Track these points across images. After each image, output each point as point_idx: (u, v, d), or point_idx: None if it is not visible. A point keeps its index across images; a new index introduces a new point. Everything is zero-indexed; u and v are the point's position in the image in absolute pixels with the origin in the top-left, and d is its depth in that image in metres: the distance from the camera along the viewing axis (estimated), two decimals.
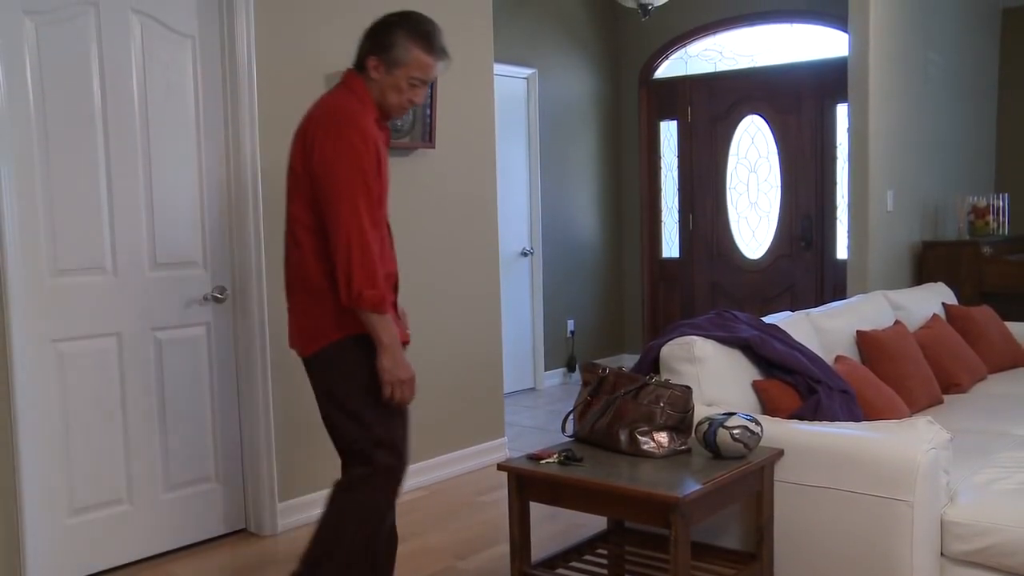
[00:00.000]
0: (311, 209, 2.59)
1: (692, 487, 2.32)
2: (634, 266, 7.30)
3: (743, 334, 3.08)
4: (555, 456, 2.60)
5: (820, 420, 2.86)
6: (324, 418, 2.80)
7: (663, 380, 2.68)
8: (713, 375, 2.94)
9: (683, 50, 7.03)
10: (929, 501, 2.44)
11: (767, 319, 3.44)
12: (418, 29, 2.63)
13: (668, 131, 7.13)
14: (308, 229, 2.62)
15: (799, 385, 3.02)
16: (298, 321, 2.71)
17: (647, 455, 2.57)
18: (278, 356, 3.81)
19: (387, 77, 2.62)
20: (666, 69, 7.12)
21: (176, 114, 3.55)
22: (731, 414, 2.56)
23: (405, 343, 2.69)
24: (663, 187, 7.21)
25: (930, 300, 4.49)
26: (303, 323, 2.69)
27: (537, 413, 5.98)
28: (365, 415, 2.67)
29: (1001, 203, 5.85)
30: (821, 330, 3.60)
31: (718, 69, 6.87)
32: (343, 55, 4.01)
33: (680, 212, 7.08)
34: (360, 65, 2.67)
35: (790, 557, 2.64)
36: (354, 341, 2.60)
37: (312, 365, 2.72)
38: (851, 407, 3.01)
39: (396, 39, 2.61)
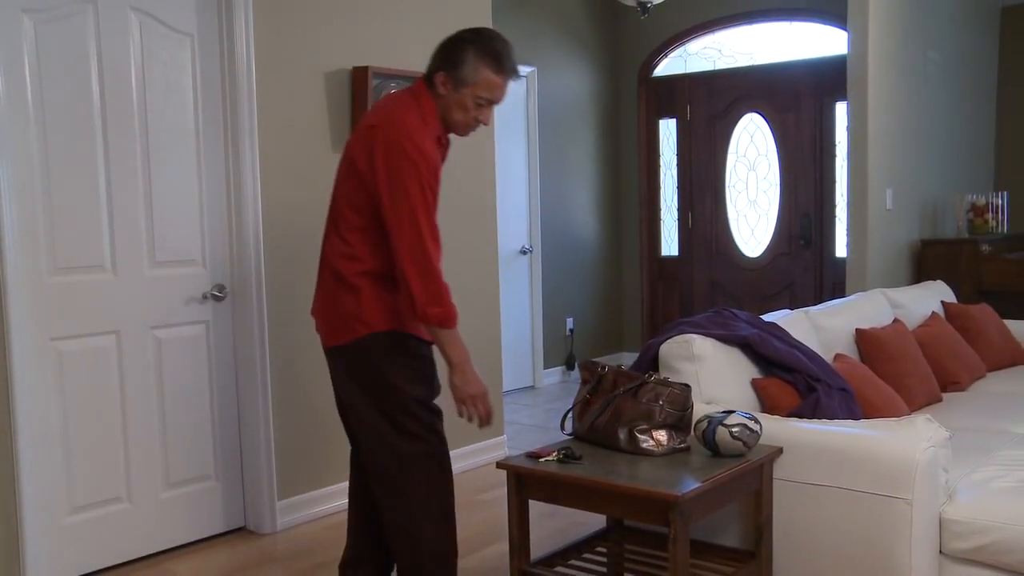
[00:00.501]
0: (362, 211, 2.61)
1: (691, 485, 2.32)
2: (633, 264, 7.30)
3: (742, 332, 3.08)
4: (554, 454, 2.60)
5: (819, 418, 2.86)
6: (347, 409, 2.82)
7: (662, 378, 2.68)
8: (712, 373, 2.94)
9: (682, 48, 7.03)
10: (928, 499, 2.45)
11: (766, 317, 3.44)
12: (488, 48, 2.61)
13: (667, 129, 7.13)
14: (355, 229, 2.65)
15: (798, 383, 3.02)
16: (325, 307, 2.75)
17: (646, 453, 2.57)
18: (277, 354, 3.81)
19: (454, 94, 2.62)
20: (665, 67, 7.12)
21: (175, 112, 3.55)
22: (730, 412, 2.56)
23: (429, 343, 2.72)
24: (662, 185, 7.21)
25: (929, 298, 4.49)
26: (330, 312, 2.73)
27: (536, 411, 5.98)
28: (395, 414, 2.69)
29: (1000, 201, 5.85)
30: (820, 328, 3.60)
31: (717, 67, 6.87)
32: (342, 53, 4.03)
33: (679, 210, 7.08)
34: (429, 78, 2.66)
35: (789, 555, 2.64)
36: (382, 337, 2.63)
37: (341, 354, 2.74)
38: (850, 405, 3.01)
39: (466, 56, 2.60)
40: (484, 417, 2.62)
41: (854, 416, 2.97)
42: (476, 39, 2.63)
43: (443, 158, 2.72)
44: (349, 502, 2.97)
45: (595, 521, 3.28)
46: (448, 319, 2.55)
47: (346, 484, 4.06)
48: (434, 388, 2.77)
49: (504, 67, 2.62)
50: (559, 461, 2.57)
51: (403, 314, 2.65)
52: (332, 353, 2.78)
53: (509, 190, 6.28)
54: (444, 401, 2.74)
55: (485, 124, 2.73)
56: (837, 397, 2.98)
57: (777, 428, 2.69)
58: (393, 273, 2.60)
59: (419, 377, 2.71)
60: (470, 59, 2.60)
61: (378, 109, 2.71)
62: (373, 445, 2.74)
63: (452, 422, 4.55)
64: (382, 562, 2.93)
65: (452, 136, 2.78)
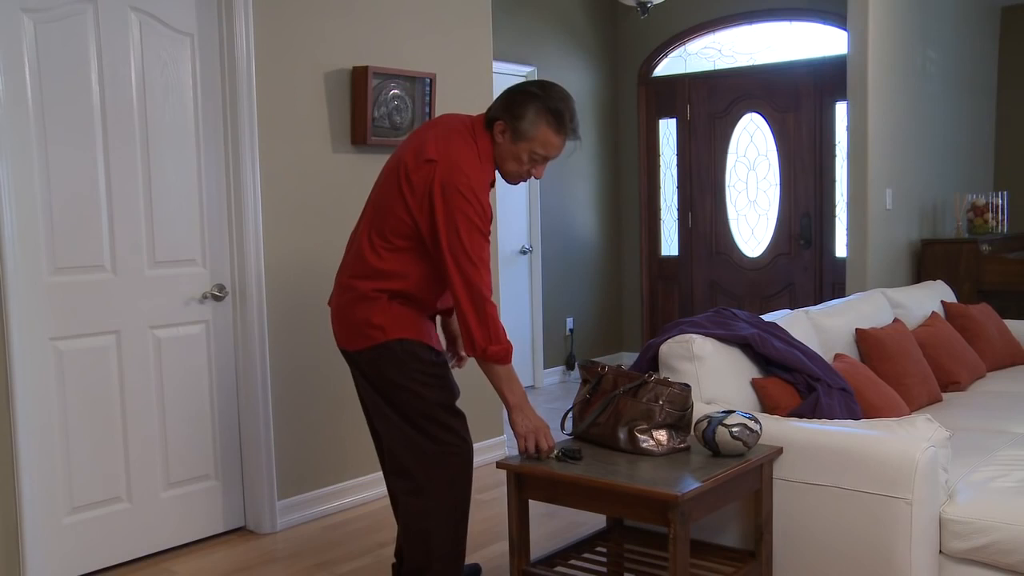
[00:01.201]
0: (407, 236, 2.64)
1: (691, 485, 2.32)
2: (633, 264, 7.30)
3: (742, 332, 3.08)
4: (554, 452, 2.60)
5: (819, 418, 2.86)
6: (369, 409, 2.87)
7: (662, 378, 2.68)
8: (712, 373, 2.94)
9: (682, 48, 7.03)
10: (928, 499, 2.45)
11: (766, 317, 3.44)
12: (552, 106, 2.61)
13: (667, 129, 7.13)
14: (394, 250, 2.67)
15: (798, 383, 3.02)
16: (340, 309, 2.78)
17: (646, 453, 2.57)
18: (277, 354, 3.82)
19: (511, 146, 2.64)
20: (665, 67, 7.12)
21: (175, 112, 3.55)
22: (730, 412, 2.56)
23: (440, 352, 2.80)
24: (662, 185, 7.21)
25: (929, 298, 4.49)
26: (346, 316, 2.76)
27: (536, 411, 5.97)
28: (415, 418, 2.73)
29: (1000, 201, 5.86)
30: (820, 328, 3.60)
31: (717, 67, 6.87)
32: (342, 53, 4.03)
33: (679, 210, 7.08)
34: (490, 122, 2.68)
35: (789, 555, 2.64)
36: (395, 345, 2.68)
37: (355, 360, 2.79)
38: (850, 405, 3.01)
39: (528, 111, 2.61)
40: (546, 451, 2.62)
41: (854, 416, 2.97)
42: (541, 94, 2.64)
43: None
44: (389, 495, 3.01)
45: (595, 521, 3.28)
46: (506, 356, 2.62)
47: (346, 484, 4.09)
48: (453, 391, 2.81)
49: (564, 128, 2.64)
50: (558, 459, 2.57)
51: (412, 325, 2.71)
52: (349, 356, 2.82)
53: (509, 190, 6.27)
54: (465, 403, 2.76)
55: (537, 178, 2.76)
56: (837, 397, 2.99)
57: (777, 428, 2.69)
58: (418, 295, 2.70)
59: (435, 382, 2.75)
60: (532, 115, 2.61)
61: (437, 139, 2.66)
62: (395, 445, 2.77)
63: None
64: None
65: None
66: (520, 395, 2.67)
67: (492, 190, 2.78)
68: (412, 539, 2.80)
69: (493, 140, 2.67)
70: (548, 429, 2.66)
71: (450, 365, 2.90)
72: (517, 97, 2.65)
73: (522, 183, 2.83)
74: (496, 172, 2.74)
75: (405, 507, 2.80)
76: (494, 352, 2.60)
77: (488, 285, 2.61)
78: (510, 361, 2.64)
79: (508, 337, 2.64)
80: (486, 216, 2.61)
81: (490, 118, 2.69)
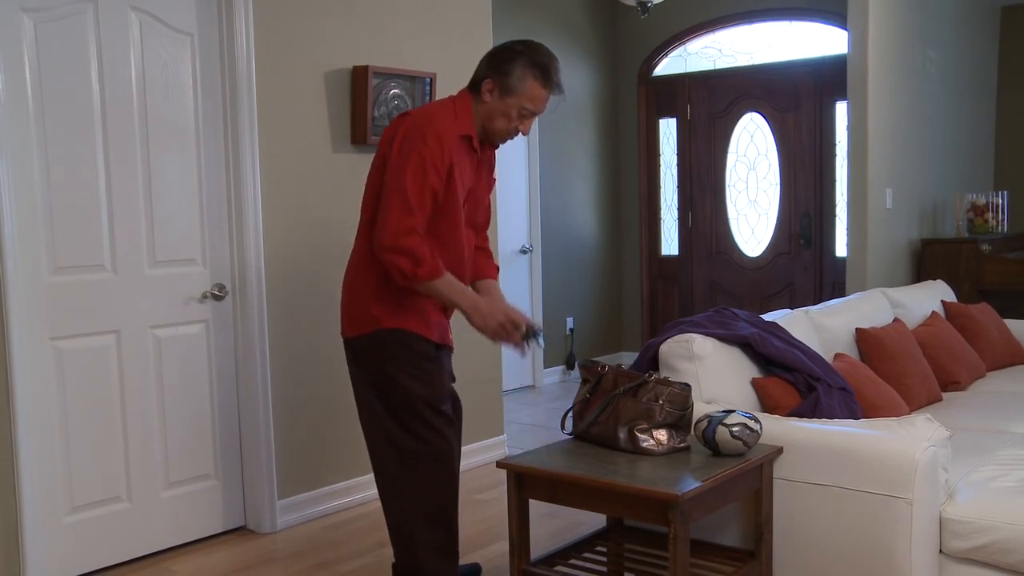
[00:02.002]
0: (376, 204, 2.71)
1: (691, 485, 2.32)
2: (633, 264, 7.30)
3: (742, 332, 3.08)
4: (531, 335, 2.68)
5: (819, 418, 2.86)
6: (358, 401, 2.90)
7: (662, 378, 2.68)
8: (712, 373, 2.94)
9: (682, 48, 7.03)
10: (928, 499, 2.45)
11: (766, 317, 3.44)
12: (537, 61, 2.69)
13: (667, 129, 7.13)
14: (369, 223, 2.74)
15: (798, 383, 3.02)
16: (346, 295, 2.83)
17: (646, 453, 2.57)
18: (277, 354, 3.81)
19: (499, 102, 2.71)
20: (665, 67, 7.12)
21: (175, 111, 3.55)
22: (730, 412, 2.56)
23: (449, 347, 2.86)
24: (662, 185, 7.21)
25: (929, 298, 4.49)
26: (348, 302, 2.82)
27: (536, 411, 5.98)
28: (398, 410, 2.76)
29: (1000, 201, 5.85)
30: (820, 328, 3.60)
31: (717, 67, 6.87)
32: (342, 52, 4.03)
33: (679, 210, 7.08)
34: (474, 85, 2.75)
35: (789, 554, 2.64)
36: (388, 335, 2.72)
37: (351, 347, 2.84)
38: (850, 404, 3.01)
39: (515, 67, 2.68)
40: (527, 333, 2.67)
41: (854, 415, 2.97)
42: (527, 51, 2.71)
43: (477, 166, 2.79)
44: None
45: (595, 521, 3.28)
46: (435, 271, 2.60)
47: (346, 483, 4.09)
48: (440, 390, 2.81)
49: (550, 81, 2.71)
50: (524, 337, 2.67)
51: (412, 314, 2.72)
52: (345, 344, 2.86)
53: (509, 189, 6.28)
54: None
55: (525, 134, 2.81)
56: (837, 396, 2.99)
57: (777, 427, 2.69)
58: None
59: (424, 376, 2.75)
60: (519, 69, 2.68)
61: (409, 112, 2.82)
62: (377, 442, 2.82)
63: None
64: None
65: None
66: (469, 298, 2.69)
67: (479, 160, 2.81)
68: (398, 541, 2.83)
69: (479, 100, 2.73)
70: (511, 317, 2.68)
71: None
72: (503, 55, 2.72)
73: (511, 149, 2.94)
74: (480, 138, 2.77)
75: (388, 508, 2.83)
76: (425, 273, 2.59)
77: (413, 227, 2.58)
78: (442, 274, 2.63)
79: (425, 248, 2.60)
80: (442, 162, 2.62)
81: (475, 80, 2.74)
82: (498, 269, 3.03)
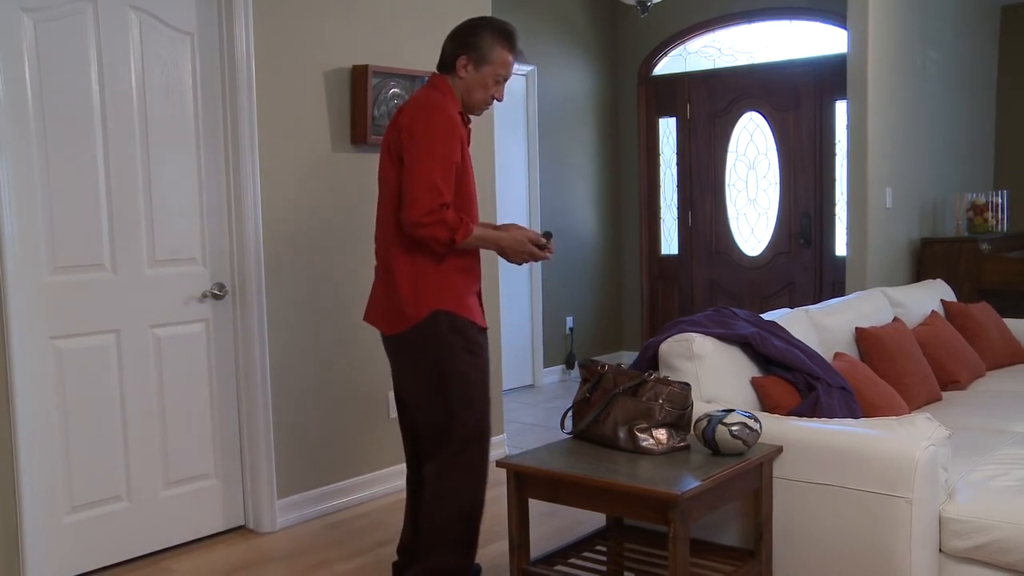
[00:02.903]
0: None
1: (691, 484, 2.32)
2: (633, 263, 7.30)
3: (742, 331, 3.08)
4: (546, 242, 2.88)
5: (819, 417, 2.86)
6: (402, 396, 3.02)
7: (662, 377, 2.68)
8: (712, 372, 2.94)
9: (682, 47, 7.03)
10: (928, 498, 2.45)
11: (766, 316, 3.44)
12: (503, 29, 2.89)
13: (667, 128, 7.13)
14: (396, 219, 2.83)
15: (798, 382, 3.02)
16: (381, 301, 2.93)
17: (646, 452, 2.57)
18: (277, 353, 3.81)
19: (475, 75, 2.87)
20: (665, 66, 7.12)
21: (175, 111, 3.55)
22: (730, 411, 2.56)
23: (484, 328, 2.94)
24: (662, 184, 7.20)
25: (929, 297, 4.49)
26: (387, 302, 2.90)
27: (536, 410, 5.98)
28: (448, 397, 2.84)
29: (1000, 200, 5.85)
30: (820, 327, 3.60)
31: (717, 66, 6.87)
32: (342, 52, 4.03)
33: (679, 209, 7.08)
34: (445, 66, 2.91)
35: (789, 554, 2.64)
36: (435, 320, 2.81)
37: (394, 344, 2.93)
38: (850, 404, 3.01)
39: (483, 39, 2.86)
40: (541, 253, 2.91)
41: (854, 415, 2.97)
42: (489, 24, 2.91)
43: (467, 139, 2.92)
44: (407, 492, 3.14)
45: (595, 520, 3.28)
46: (467, 230, 2.76)
47: (346, 483, 4.09)
48: (488, 375, 2.93)
49: (516, 45, 2.92)
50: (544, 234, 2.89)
51: (457, 300, 2.85)
52: (392, 339, 2.93)
53: (509, 189, 6.28)
54: None
55: (500, 100, 2.99)
56: (837, 396, 2.99)
57: (777, 427, 2.69)
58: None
59: (477, 362, 2.86)
60: (488, 41, 2.86)
61: (403, 104, 2.95)
62: (430, 433, 2.91)
63: None
64: None
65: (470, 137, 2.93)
66: (495, 240, 2.88)
67: (468, 134, 2.94)
68: (434, 538, 2.88)
69: (455, 78, 2.88)
70: (527, 236, 2.90)
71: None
72: (467, 31, 2.89)
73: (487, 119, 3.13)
74: (461, 109, 2.91)
75: (433, 506, 2.88)
76: (460, 236, 2.75)
77: (441, 201, 2.73)
78: (472, 230, 2.79)
79: (453, 213, 2.76)
80: (455, 137, 2.77)
81: (447, 61, 2.90)
82: None
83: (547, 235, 2.94)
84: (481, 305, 2.99)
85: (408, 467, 3.13)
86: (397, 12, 4.24)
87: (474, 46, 2.86)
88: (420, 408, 2.92)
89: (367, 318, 3.01)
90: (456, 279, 2.86)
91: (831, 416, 2.88)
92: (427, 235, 2.73)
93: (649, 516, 2.39)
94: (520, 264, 2.95)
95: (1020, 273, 5.45)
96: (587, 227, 7.06)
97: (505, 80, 2.93)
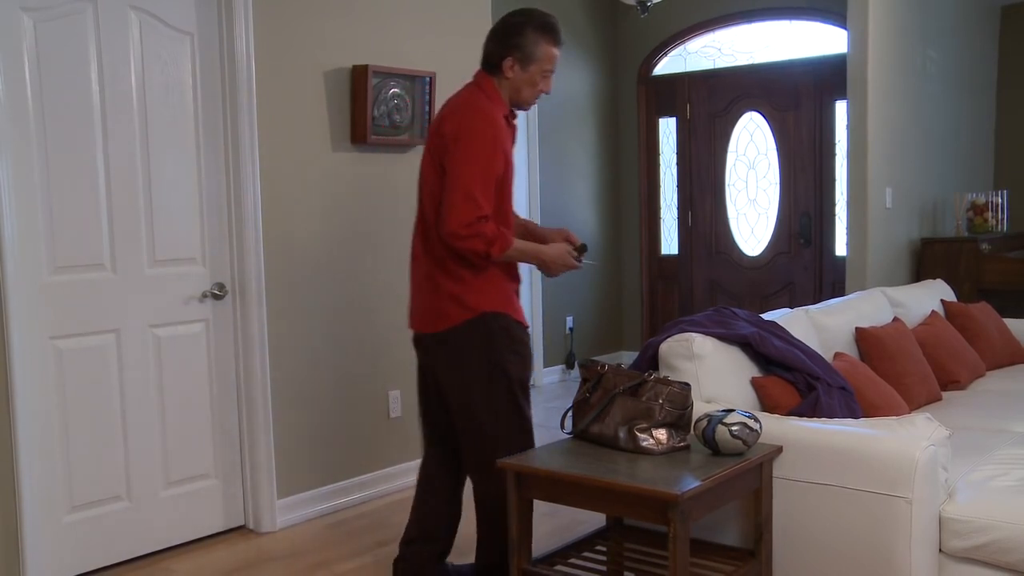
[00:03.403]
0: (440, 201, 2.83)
1: (691, 484, 2.32)
2: (633, 263, 7.30)
3: (742, 331, 3.08)
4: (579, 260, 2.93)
5: (819, 417, 2.86)
6: (429, 393, 3.09)
7: (662, 377, 2.68)
8: (712, 372, 2.94)
9: (682, 47, 7.03)
10: (928, 498, 2.45)
11: (766, 316, 3.44)
12: (545, 24, 2.89)
13: (667, 128, 7.13)
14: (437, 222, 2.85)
15: (798, 382, 3.02)
16: (420, 300, 2.96)
17: (646, 452, 2.57)
18: (277, 353, 3.81)
19: (522, 75, 2.88)
20: (665, 66, 7.12)
21: (175, 111, 3.55)
22: (730, 411, 2.56)
23: (527, 326, 2.96)
24: (662, 184, 7.20)
25: (929, 297, 4.49)
26: (421, 301, 2.95)
27: (536, 410, 5.92)
28: (493, 395, 2.88)
29: (1000, 200, 5.85)
30: (820, 327, 3.60)
31: (717, 66, 6.87)
32: (342, 52, 4.02)
33: (679, 209, 7.08)
34: (490, 64, 2.91)
35: (789, 554, 2.64)
36: (483, 320, 2.84)
37: (434, 342, 2.95)
38: (850, 404, 3.01)
39: (527, 38, 2.86)
40: (577, 265, 2.95)
41: (854, 415, 2.97)
42: (531, 20, 2.88)
43: (512, 138, 2.95)
44: (421, 481, 3.16)
45: (595, 520, 3.28)
46: (505, 245, 2.78)
47: (346, 483, 4.09)
48: (530, 372, 2.97)
49: (559, 38, 2.92)
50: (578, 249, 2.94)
51: (503, 299, 2.88)
52: (430, 339, 2.95)
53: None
54: None
55: (548, 93, 2.99)
56: (837, 396, 2.99)
57: (777, 427, 2.69)
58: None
59: (522, 361, 2.91)
60: (532, 39, 2.86)
61: (446, 105, 2.95)
62: (472, 432, 2.94)
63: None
64: (444, 544, 3.13)
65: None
66: (535, 254, 2.89)
67: (514, 132, 2.98)
68: (491, 535, 2.94)
69: (501, 78, 2.89)
70: (564, 248, 2.92)
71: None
72: (510, 30, 2.88)
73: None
74: (509, 109, 2.94)
75: (487, 506, 2.94)
76: (497, 250, 2.77)
77: (480, 213, 2.74)
78: (511, 243, 2.81)
79: (492, 226, 2.77)
80: (497, 147, 2.78)
81: (489, 60, 2.91)
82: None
83: (582, 248, 2.98)
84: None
85: (425, 455, 3.15)
86: (397, 12, 4.24)
87: (519, 46, 2.85)
88: (462, 406, 2.93)
89: (411, 324, 3.03)
90: (500, 278, 2.89)
91: (831, 416, 2.88)
92: (464, 247, 2.75)
93: (649, 516, 2.39)
94: (556, 276, 2.97)
95: (1020, 273, 5.45)
96: (587, 227, 7.06)
97: (551, 72, 2.93)
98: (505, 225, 2.87)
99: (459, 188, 2.73)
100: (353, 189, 4.07)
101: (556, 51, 2.91)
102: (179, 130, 3.56)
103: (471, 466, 2.99)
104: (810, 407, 2.91)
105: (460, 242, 2.74)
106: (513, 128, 2.96)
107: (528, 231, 3.10)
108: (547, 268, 2.93)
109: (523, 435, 2.92)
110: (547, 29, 2.88)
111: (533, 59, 2.86)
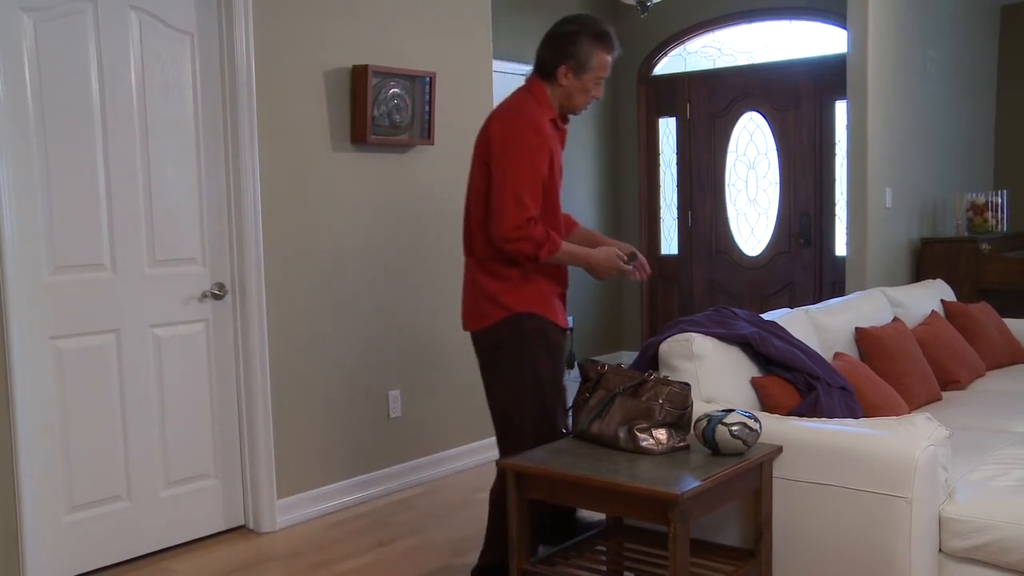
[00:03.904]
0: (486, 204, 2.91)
1: (691, 484, 2.32)
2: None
3: (742, 331, 3.08)
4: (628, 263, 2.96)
5: (819, 417, 2.86)
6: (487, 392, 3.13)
7: (662, 377, 2.68)
8: (712, 372, 2.94)
9: (682, 47, 7.03)
10: (927, 498, 2.45)
11: (766, 316, 3.44)
12: (600, 32, 2.95)
13: (667, 128, 7.12)
14: (481, 224, 2.93)
15: (798, 382, 3.02)
16: (464, 298, 3.06)
17: (646, 452, 2.57)
18: (277, 352, 3.81)
19: (576, 82, 2.94)
20: (665, 66, 7.11)
21: (175, 111, 3.55)
22: (730, 411, 2.56)
23: (565, 329, 3.03)
24: (662, 184, 7.20)
25: (929, 297, 4.48)
26: (467, 300, 3.04)
27: (591, 253, 5.90)
28: (523, 394, 2.96)
29: (1000, 200, 5.85)
30: (820, 327, 3.60)
31: (717, 66, 6.87)
32: (342, 52, 4.02)
33: (679, 209, 7.08)
34: (543, 71, 2.96)
35: (789, 554, 2.64)
36: (518, 320, 2.91)
37: (475, 340, 3.05)
38: (850, 403, 3.01)
39: (582, 47, 2.92)
40: (629, 270, 2.98)
41: (854, 415, 2.97)
42: (585, 28, 2.95)
43: (561, 142, 3.02)
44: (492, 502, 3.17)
45: (595, 519, 3.27)
46: (553, 247, 2.84)
47: (346, 483, 4.09)
48: (561, 372, 3.01)
49: (613, 45, 2.97)
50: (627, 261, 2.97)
51: (541, 301, 2.94)
52: (474, 338, 3.05)
53: None
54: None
55: (599, 98, 3.05)
56: (837, 396, 2.98)
57: (777, 427, 2.69)
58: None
59: (552, 361, 2.97)
60: (586, 47, 2.92)
61: (496, 109, 3.04)
62: (499, 422, 3.04)
63: (450, 419, 4.54)
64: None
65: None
66: (584, 257, 2.95)
67: (563, 137, 3.04)
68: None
69: (555, 84, 2.94)
70: (615, 253, 2.97)
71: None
72: (565, 39, 2.94)
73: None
74: (562, 117, 3.01)
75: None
76: (545, 252, 2.84)
77: (528, 216, 2.81)
78: (560, 246, 2.87)
79: (540, 229, 2.84)
80: (543, 150, 2.84)
81: (542, 67, 2.96)
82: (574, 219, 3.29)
83: (632, 256, 3.01)
84: (564, 305, 3.09)
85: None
86: (397, 12, 4.24)
87: (573, 55, 2.91)
88: (494, 403, 3.03)
89: (463, 324, 3.09)
90: (540, 281, 2.94)
91: (831, 416, 2.88)
92: (513, 249, 2.83)
93: (649, 516, 2.39)
94: (605, 280, 3.01)
95: (1020, 273, 5.45)
96: (587, 227, 7.04)
97: (604, 79, 2.99)
98: (553, 227, 2.92)
99: (507, 191, 2.80)
100: (353, 189, 4.08)
101: (609, 58, 2.95)
102: (179, 130, 3.56)
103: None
104: (810, 407, 2.91)
105: (510, 244, 2.82)
106: (561, 132, 3.02)
107: (589, 240, 3.17)
108: (594, 271, 2.98)
109: (549, 438, 2.92)
110: (601, 37, 2.93)
111: (587, 67, 2.91)
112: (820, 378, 3.01)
